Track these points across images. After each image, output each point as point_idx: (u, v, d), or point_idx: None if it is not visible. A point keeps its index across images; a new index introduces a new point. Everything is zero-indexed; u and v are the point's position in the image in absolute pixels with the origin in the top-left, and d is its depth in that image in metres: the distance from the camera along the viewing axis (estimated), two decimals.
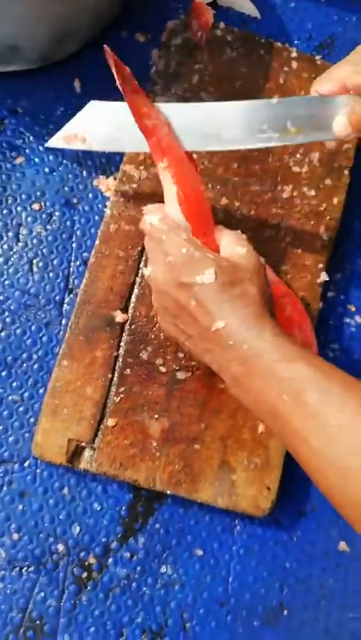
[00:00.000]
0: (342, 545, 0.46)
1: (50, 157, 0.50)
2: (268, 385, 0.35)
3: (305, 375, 0.35)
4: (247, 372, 0.36)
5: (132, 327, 0.45)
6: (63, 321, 0.47)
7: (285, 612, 0.44)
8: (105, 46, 0.39)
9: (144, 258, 0.45)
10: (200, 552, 0.44)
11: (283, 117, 0.41)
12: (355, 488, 0.32)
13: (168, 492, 0.42)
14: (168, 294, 0.39)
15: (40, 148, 0.50)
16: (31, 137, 0.50)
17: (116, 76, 0.40)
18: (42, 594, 0.42)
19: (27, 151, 0.50)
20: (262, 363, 0.35)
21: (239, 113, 0.41)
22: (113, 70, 0.39)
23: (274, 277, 0.46)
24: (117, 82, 0.41)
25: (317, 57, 0.52)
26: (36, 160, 0.49)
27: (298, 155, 0.49)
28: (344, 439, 0.33)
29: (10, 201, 0.48)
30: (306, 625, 0.45)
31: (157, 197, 0.46)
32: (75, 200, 0.49)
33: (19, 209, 0.48)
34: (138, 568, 0.44)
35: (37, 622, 0.42)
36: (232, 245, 0.40)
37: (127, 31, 0.53)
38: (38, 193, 0.49)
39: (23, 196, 0.49)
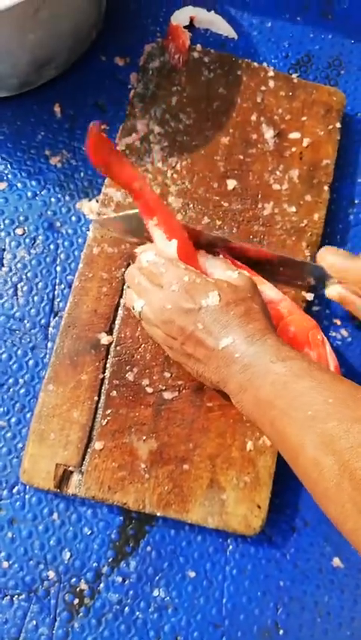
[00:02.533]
0: (336, 561, 0.46)
1: (33, 182, 0.50)
2: (264, 385, 0.36)
3: (298, 368, 0.36)
4: (249, 379, 0.37)
5: (118, 348, 0.45)
6: (49, 345, 0.47)
7: (280, 632, 0.44)
8: (92, 125, 0.39)
9: (124, 296, 0.46)
10: (193, 574, 0.44)
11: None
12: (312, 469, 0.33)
13: (158, 514, 0.42)
14: (171, 324, 0.39)
15: (23, 173, 0.50)
16: (14, 163, 0.50)
17: (93, 154, 0.40)
18: (34, 622, 0.42)
19: (9, 176, 0.50)
20: (261, 366, 0.36)
21: None
22: (89, 150, 0.40)
23: (279, 295, 0.46)
24: (96, 160, 0.41)
25: (294, 75, 0.53)
26: (18, 185, 0.50)
27: (277, 173, 0.50)
28: (318, 427, 0.33)
29: None
30: None
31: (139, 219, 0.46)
32: (58, 224, 0.49)
33: (2, 234, 0.49)
34: (131, 592, 0.43)
35: None
36: (223, 270, 0.43)
37: (106, 56, 0.54)
38: (21, 218, 0.49)
39: (7, 221, 0.49)
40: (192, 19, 0.55)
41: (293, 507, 0.46)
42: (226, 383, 0.39)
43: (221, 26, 0.56)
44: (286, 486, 0.46)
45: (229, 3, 0.56)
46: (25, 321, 0.47)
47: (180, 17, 0.55)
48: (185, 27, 0.54)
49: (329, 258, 0.45)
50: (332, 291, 0.46)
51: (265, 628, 0.44)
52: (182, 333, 0.39)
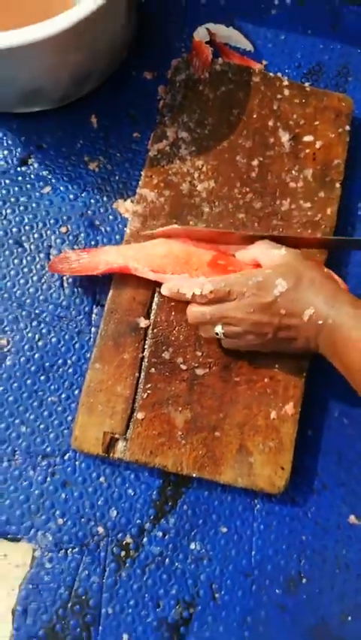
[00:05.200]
0: (352, 519, 0.51)
1: (74, 185, 0.56)
2: (350, 336, 0.42)
3: None
4: (334, 337, 0.43)
5: (155, 331, 0.50)
6: (92, 330, 0.53)
7: (303, 581, 0.49)
8: None
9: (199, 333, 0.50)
10: (225, 529, 0.49)
11: None
12: None
13: (194, 475, 0.48)
14: (260, 323, 0.45)
15: (65, 178, 0.56)
16: (56, 169, 0.56)
17: None
18: (86, 572, 0.48)
19: (53, 181, 0.56)
20: (343, 323, 0.42)
21: None
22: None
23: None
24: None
25: (306, 84, 0.58)
26: (61, 188, 0.56)
27: (293, 172, 0.55)
28: None
29: (40, 226, 0.55)
30: (324, 592, 0.49)
31: (170, 216, 0.52)
32: (98, 222, 0.55)
33: (48, 232, 0.55)
34: (170, 545, 0.49)
35: (83, 597, 0.47)
36: (268, 252, 0.48)
37: (136, 71, 0.59)
38: (65, 217, 0.55)
39: (52, 221, 0.55)
40: (212, 35, 0.61)
41: (313, 471, 0.52)
42: (318, 347, 0.45)
43: (239, 40, 0.62)
44: (307, 452, 0.51)
45: (246, 19, 0.62)
46: (71, 309, 0.53)
47: (202, 33, 0.61)
48: (206, 42, 0.60)
49: None
50: None
51: (290, 577, 0.49)
52: (272, 326, 0.45)
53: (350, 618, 0.49)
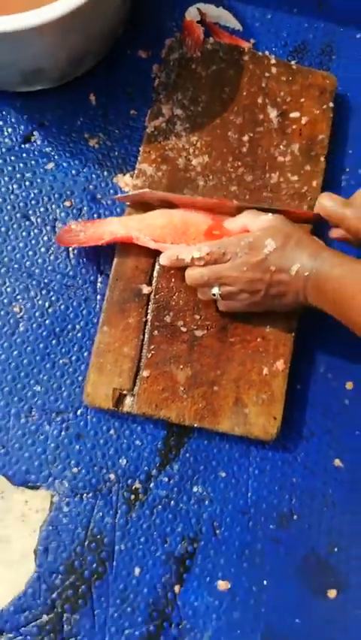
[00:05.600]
0: (337, 462, 0.57)
1: (76, 161, 0.59)
2: (331, 284, 0.47)
3: (349, 264, 0.47)
4: (319, 286, 0.48)
5: (156, 297, 0.55)
6: (98, 297, 0.57)
7: (294, 517, 0.55)
8: None
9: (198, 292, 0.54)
10: (223, 474, 0.55)
11: None
12: None
13: (195, 425, 0.53)
14: (253, 280, 0.49)
15: (67, 154, 0.59)
16: (58, 146, 0.60)
17: None
18: (100, 514, 0.53)
19: (56, 157, 0.59)
20: (326, 273, 0.47)
21: None
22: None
23: None
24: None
25: (293, 62, 0.62)
26: (64, 164, 0.59)
27: (281, 147, 0.59)
28: None
29: (45, 200, 0.58)
30: (312, 527, 0.55)
31: (168, 189, 0.56)
32: (99, 196, 0.59)
33: (53, 206, 0.58)
34: (175, 489, 0.54)
35: (98, 536, 0.53)
36: (256, 219, 0.52)
37: (131, 50, 0.62)
38: (68, 192, 0.59)
39: (56, 195, 0.58)
40: (203, 15, 0.64)
41: (302, 421, 0.57)
42: (307, 297, 0.49)
43: (228, 19, 0.65)
44: (296, 403, 0.57)
45: None
46: (78, 279, 0.57)
47: (193, 13, 0.63)
48: (198, 22, 0.63)
49: (326, 203, 0.53)
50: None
51: (282, 514, 0.55)
52: (263, 282, 0.49)
53: (336, 549, 0.55)
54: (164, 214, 0.54)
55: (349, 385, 0.58)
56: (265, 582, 0.53)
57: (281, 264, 0.49)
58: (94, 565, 0.52)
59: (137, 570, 0.52)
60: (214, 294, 0.51)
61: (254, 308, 0.52)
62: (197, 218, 0.54)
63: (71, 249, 0.57)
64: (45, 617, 0.51)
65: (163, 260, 0.53)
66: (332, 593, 0.54)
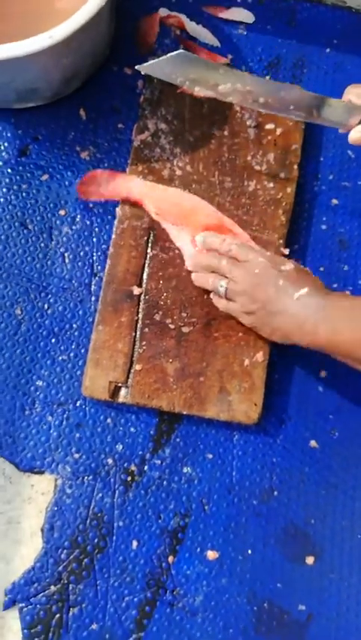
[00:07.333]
0: (313, 443, 0.63)
1: (69, 172, 0.64)
2: (334, 322, 0.52)
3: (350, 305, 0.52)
4: (322, 319, 0.52)
5: (147, 297, 0.60)
6: (92, 299, 0.62)
7: (275, 493, 0.61)
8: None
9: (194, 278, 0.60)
10: (210, 455, 0.61)
11: (312, 105, 0.54)
12: None
13: (184, 412, 0.59)
14: (258, 286, 0.54)
15: (60, 166, 0.64)
16: (52, 159, 0.64)
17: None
18: (100, 495, 0.59)
19: (50, 169, 0.64)
20: (329, 310, 0.52)
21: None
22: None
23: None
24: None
25: (267, 77, 0.67)
26: (58, 176, 0.64)
27: (258, 157, 0.64)
28: None
29: (41, 209, 0.63)
30: (291, 501, 0.61)
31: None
32: (92, 205, 0.64)
33: (49, 215, 0.63)
34: (167, 470, 0.60)
35: (99, 514, 0.58)
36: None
37: (117, 67, 0.67)
38: (62, 201, 0.64)
39: (51, 205, 0.63)
40: (183, 28, 0.68)
41: (281, 407, 0.63)
42: (303, 324, 0.52)
43: (206, 36, 0.70)
44: (275, 391, 0.63)
45: (212, 16, 0.70)
46: (73, 281, 0.62)
47: (162, 10, 0.68)
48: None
49: (357, 90, 0.51)
50: (357, 133, 0.52)
51: (264, 490, 0.61)
52: (266, 294, 0.54)
53: (312, 520, 0.61)
54: (180, 195, 0.61)
55: (322, 374, 0.64)
56: (249, 551, 0.59)
57: (289, 282, 0.54)
58: (95, 540, 0.58)
59: (134, 544, 0.58)
60: (222, 285, 0.57)
61: (246, 319, 0.57)
62: (207, 209, 0.60)
63: (66, 254, 0.62)
64: (53, 588, 0.56)
65: (198, 240, 0.60)
66: (309, 560, 0.60)
